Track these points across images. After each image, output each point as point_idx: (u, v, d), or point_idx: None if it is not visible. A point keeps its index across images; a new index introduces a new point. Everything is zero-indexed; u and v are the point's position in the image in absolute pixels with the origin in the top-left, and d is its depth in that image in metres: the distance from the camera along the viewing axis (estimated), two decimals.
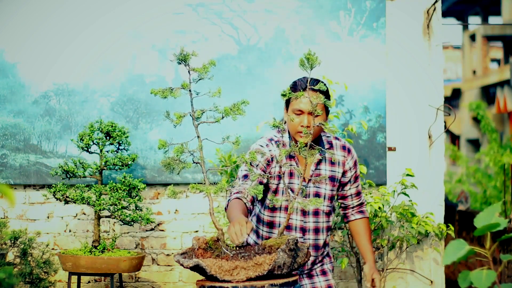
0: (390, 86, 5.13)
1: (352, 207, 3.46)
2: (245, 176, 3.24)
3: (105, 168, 4.64)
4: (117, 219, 4.57)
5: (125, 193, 4.57)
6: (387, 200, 4.64)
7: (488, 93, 21.11)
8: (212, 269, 2.68)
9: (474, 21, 25.04)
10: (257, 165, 3.29)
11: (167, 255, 5.11)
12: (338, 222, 4.84)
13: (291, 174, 3.34)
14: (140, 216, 4.55)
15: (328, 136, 3.41)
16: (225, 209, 3.28)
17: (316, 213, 3.38)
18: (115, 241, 4.59)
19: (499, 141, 12.74)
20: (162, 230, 5.12)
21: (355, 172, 3.43)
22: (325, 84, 3.25)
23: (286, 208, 3.38)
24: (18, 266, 4.57)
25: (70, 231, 5.10)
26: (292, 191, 3.32)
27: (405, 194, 4.70)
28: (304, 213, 3.39)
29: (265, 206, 3.44)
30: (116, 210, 4.53)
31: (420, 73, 5.13)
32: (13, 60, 5.04)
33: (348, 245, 4.89)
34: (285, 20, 5.12)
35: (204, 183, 2.94)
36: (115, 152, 4.71)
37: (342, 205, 3.47)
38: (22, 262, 4.56)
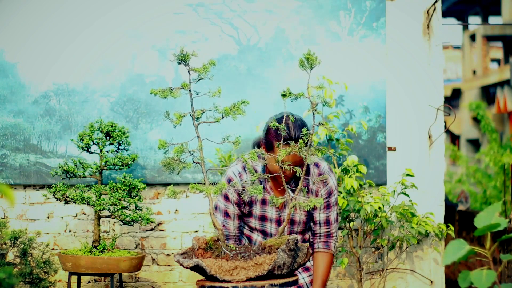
0: (390, 86, 5.13)
1: (319, 236, 3.40)
2: (226, 214, 3.28)
3: (105, 168, 4.64)
4: (117, 219, 4.57)
5: (125, 193, 4.57)
6: (387, 200, 4.64)
7: (488, 93, 21.11)
8: (212, 269, 2.68)
9: (474, 21, 25.05)
10: (231, 199, 3.35)
11: (167, 255, 5.11)
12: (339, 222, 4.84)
13: (263, 202, 3.36)
14: (140, 216, 4.55)
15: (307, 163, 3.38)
16: None
17: (292, 223, 3.41)
18: (115, 241, 4.59)
19: (499, 141, 12.74)
20: (162, 230, 5.12)
21: (328, 200, 3.36)
22: (304, 126, 3.18)
23: (261, 231, 3.42)
24: (18, 266, 4.57)
25: (70, 231, 5.10)
26: (266, 218, 3.36)
27: (405, 194, 4.70)
28: (279, 223, 3.40)
29: (244, 227, 3.50)
30: (116, 210, 4.53)
31: (420, 73, 5.13)
32: (13, 60, 5.04)
33: (348, 245, 4.89)
34: (285, 20, 5.12)
35: (204, 183, 2.94)
36: (115, 152, 4.71)
37: (311, 231, 3.43)
38: (22, 262, 4.56)
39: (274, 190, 3.36)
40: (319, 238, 3.39)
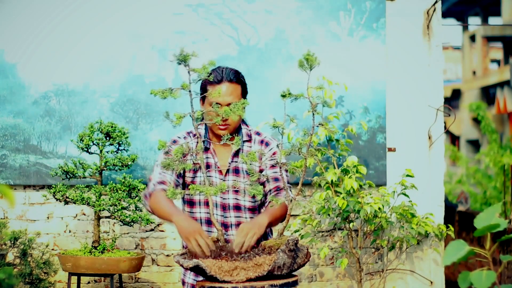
0: (390, 86, 5.13)
1: (270, 192, 3.25)
2: (164, 167, 3.07)
3: (105, 168, 4.64)
4: (117, 219, 4.57)
5: (125, 194, 4.58)
6: (387, 200, 4.64)
7: (488, 94, 21.12)
8: (212, 270, 2.68)
9: (474, 21, 25.06)
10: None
11: (167, 255, 5.11)
12: (338, 222, 4.84)
13: (207, 167, 3.28)
14: (140, 217, 4.55)
15: (249, 130, 3.36)
16: (145, 197, 3.19)
17: (237, 207, 3.26)
18: (115, 242, 4.60)
19: (499, 142, 12.74)
20: (162, 231, 5.12)
21: (274, 159, 3.26)
22: (241, 74, 3.25)
23: (206, 203, 3.27)
24: (18, 267, 4.57)
25: (70, 231, 5.10)
26: (210, 184, 3.24)
27: (405, 194, 4.69)
28: (224, 207, 3.30)
29: (184, 201, 3.37)
30: (116, 210, 4.53)
31: (420, 73, 5.13)
32: (13, 60, 5.04)
33: (348, 245, 4.89)
34: (285, 21, 5.12)
35: (204, 184, 2.94)
36: (115, 153, 4.71)
37: (264, 192, 3.27)
38: (22, 262, 4.56)
39: (217, 154, 3.29)
40: (269, 194, 3.23)
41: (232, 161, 3.27)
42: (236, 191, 3.24)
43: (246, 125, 3.38)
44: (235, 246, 2.86)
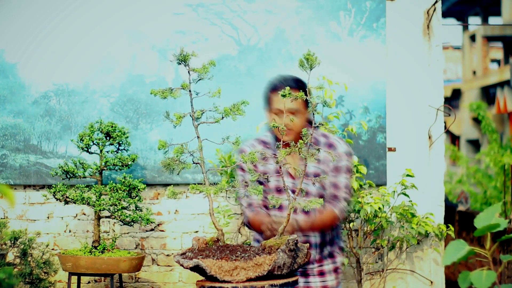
0: (390, 86, 5.13)
1: (326, 199, 3.25)
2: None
3: (105, 168, 4.64)
4: (117, 219, 4.57)
5: (125, 194, 4.57)
6: (387, 200, 4.64)
7: (488, 94, 21.12)
8: (212, 270, 2.68)
9: (474, 21, 25.06)
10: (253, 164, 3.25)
11: (167, 255, 5.11)
12: None
13: (278, 172, 3.30)
14: (140, 217, 4.55)
15: (315, 132, 3.36)
16: (248, 224, 3.27)
17: (306, 211, 3.30)
18: (115, 242, 4.59)
19: (499, 142, 12.74)
20: (162, 231, 5.12)
21: (336, 164, 3.26)
22: (301, 80, 3.25)
23: (279, 207, 3.32)
24: (18, 267, 4.57)
25: (70, 231, 5.10)
26: (281, 190, 3.29)
27: (405, 194, 4.69)
28: (294, 210, 3.31)
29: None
30: (116, 210, 4.53)
31: (420, 73, 5.13)
32: (13, 60, 5.04)
33: (348, 245, 4.89)
34: (285, 21, 5.12)
35: (204, 184, 2.94)
36: (115, 153, 4.71)
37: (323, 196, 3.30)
38: (22, 262, 4.56)
39: (288, 160, 3.31)
40: (325, 199, 3.24)
41: (303, 165, 3.27)
42: (306, 195, 3.28)
43: (314, 127, 3.36)
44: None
